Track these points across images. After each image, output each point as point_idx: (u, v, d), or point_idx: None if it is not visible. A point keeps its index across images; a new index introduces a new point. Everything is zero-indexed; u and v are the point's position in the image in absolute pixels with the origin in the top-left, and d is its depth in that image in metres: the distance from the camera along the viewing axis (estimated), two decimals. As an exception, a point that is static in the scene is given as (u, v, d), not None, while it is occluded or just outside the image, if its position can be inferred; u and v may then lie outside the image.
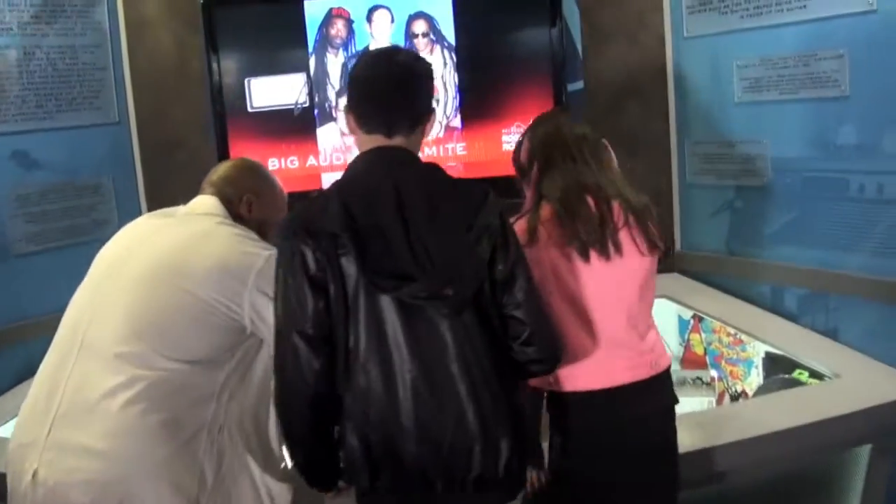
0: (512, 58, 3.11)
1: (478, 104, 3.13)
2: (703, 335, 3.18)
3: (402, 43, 3.10)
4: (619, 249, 1.78)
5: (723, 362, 3.08)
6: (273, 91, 3.14)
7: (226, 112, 3.13)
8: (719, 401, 3.04)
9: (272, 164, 3.16)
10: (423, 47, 3.09)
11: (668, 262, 3.33)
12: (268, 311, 1.70)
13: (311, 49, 3.12)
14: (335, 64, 3.13)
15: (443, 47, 3.09)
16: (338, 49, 3.12)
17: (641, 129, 3.29)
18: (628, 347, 1.80)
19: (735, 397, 3.02)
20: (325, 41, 3.11)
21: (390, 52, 1.68)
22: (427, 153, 3.13)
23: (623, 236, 1.79)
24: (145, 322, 1.69)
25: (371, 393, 1.55)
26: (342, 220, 1.51)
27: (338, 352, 1.55)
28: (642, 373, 1.80)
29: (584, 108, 3.25)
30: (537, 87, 3.08)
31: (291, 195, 2.05)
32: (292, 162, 3.18)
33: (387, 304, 1.53)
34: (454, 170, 3.15)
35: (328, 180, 3.18)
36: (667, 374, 1.86)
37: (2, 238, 2.89)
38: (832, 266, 2.80)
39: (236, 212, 1.91)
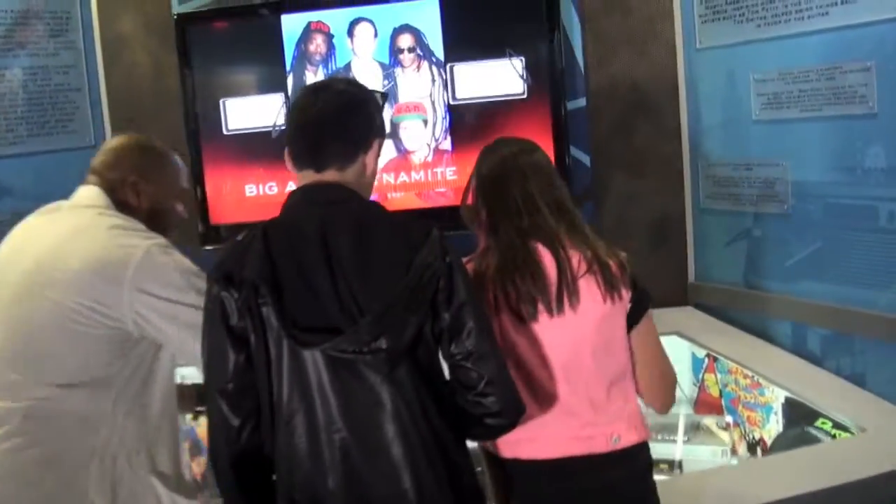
0: (506, 74, 2.88)
1: (469, 125, 2.90)
2: (719, 376, 2.89)
3: (386, 59, 2.89)
4: (573, 304, 1.54)
5: (739, 406, 2.78)
6: (249, 112, 2.95)
7: (200, 135, 2.96)
8: (735, 449, 2.75)
9: (250, 191, 2.98)
10: (408, 63, 2.87)
11: (680, 294, 3.06)
12: (155, 312, 1.52)
13: (288, 67, 2.93)
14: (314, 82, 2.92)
15: (431, 63, 2.87)
16: (317, 66, 2.92)
17: (651, 149, 3.02)
18: (577, 416, 1.55)
19: (752, 445, 2.73)
20: (303, 58, 2.92)
21: (326, 83, 1.56)
22: (414, 178, 2.92)
23: (582, 288, 1.55)
24: (17, 345, 1.52)
25: (296, 453, 1.40)
26: (262, 267, 1.38)
27: (262, 407, 1.42)
28: (598, 445, 1.55)
29: (587, 127, 2.99)
30: (534, 106, 2.84)
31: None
32: (271, 188, 2.99)
33: (314, 357, 1.38)
34: (444, 196, 2.93)
35: (310, 206, 2.97)
36: (636, 450, 1.59)
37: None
38: (859, 304, 2.49)
39: (122, 199, 1.67)
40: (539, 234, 1.58)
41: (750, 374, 2.71)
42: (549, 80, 2.81)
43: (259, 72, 2.95)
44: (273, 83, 2.92)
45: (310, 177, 1.50)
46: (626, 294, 1.60)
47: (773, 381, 2.59)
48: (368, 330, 1.36)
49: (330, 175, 1.49)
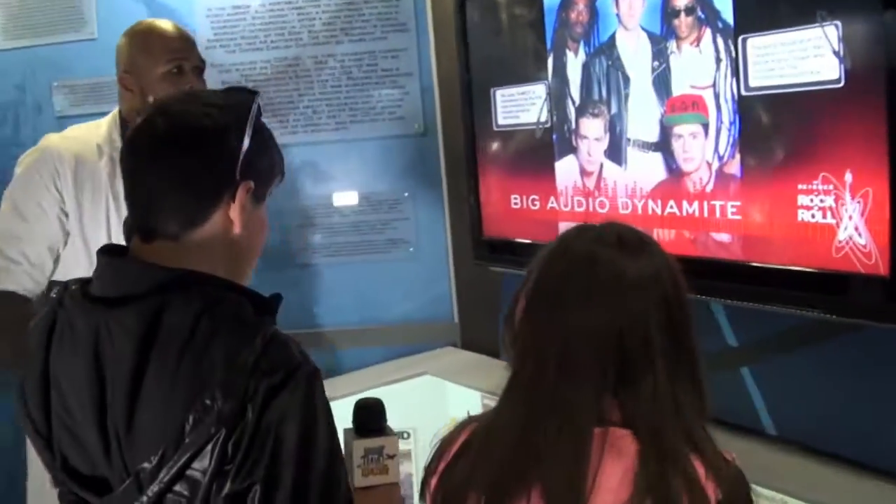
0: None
1: (768, 137, 1.70)
2: None
3: (657, 28, 1.89)
4: None
5: None
6: (515, 105, 2.31)
7: (475, 130, 2.46)
8: None
9: (514, 202, 2.37)
10: (686, 33, 1.82)
11: None
12: None
13: (549, 45, 2.17)
14: (574, 66, 2.10)
15: (715, 33, 1.76)
16: (578, 43, 2.08)
17: None
18: None
19: None
20: (563, 32, 2.11)
21: (167, 104, 1.15)
22: (687, 210, 1.88)
23: None
24: None
25: None
26: (36, 378, 1.13)
27: None
28: None
29: None
30: (869, 105, 1.50)
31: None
32: (534, 202, 2.31)
33: None
34: (724, 247, 1.82)
35: (567, 232, 2.22)
36: None
37: (287, 246, 2.91)
38: None
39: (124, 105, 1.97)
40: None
41: None
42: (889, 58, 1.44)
43: (522, 53, 2.26)
44: (535, 68, 2.22)
45: (136, 248, 1.13)
46: None
47: None
48: (131, 491, 1.01)
49: (160, 248, 1.10)
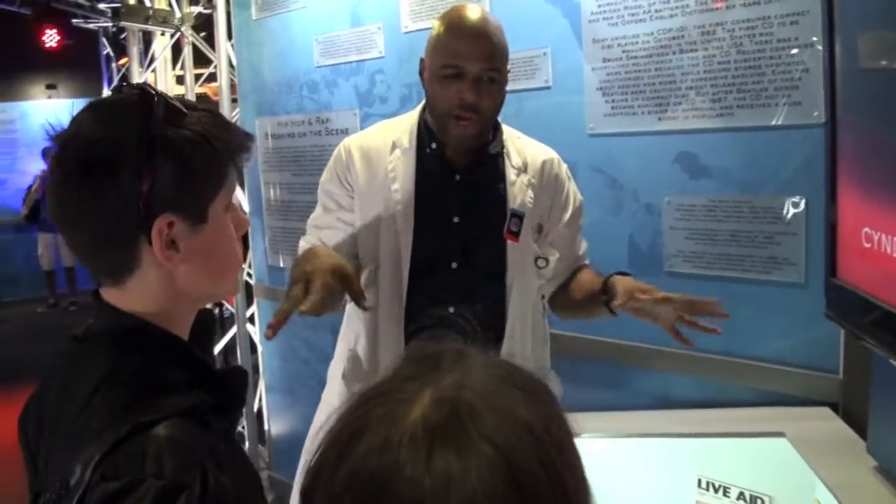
0: None
1: None
2: None
3: None
4: None
5: None
6: None
7: (836, 123, 1.71)
8: None
9: (865, 238, 1.60)
10: None
11: None
12: None
13: None
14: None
15: None
16: None
17: None
18: None
19: None
20: None
21: (63, 136, 0.99)
22: None
23: None
24: None
25: None
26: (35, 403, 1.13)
27: None
28: None
29: None
30: None
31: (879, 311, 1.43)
32: (893, 242, 1.52)
33: None
34: None
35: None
36: None
37: (657, 250, 2.52)
38: None
39: None
40: None
41: None
42: None
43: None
44: None
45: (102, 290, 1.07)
46: None
47: None
48: None
49: (108, 292, 1.04)
